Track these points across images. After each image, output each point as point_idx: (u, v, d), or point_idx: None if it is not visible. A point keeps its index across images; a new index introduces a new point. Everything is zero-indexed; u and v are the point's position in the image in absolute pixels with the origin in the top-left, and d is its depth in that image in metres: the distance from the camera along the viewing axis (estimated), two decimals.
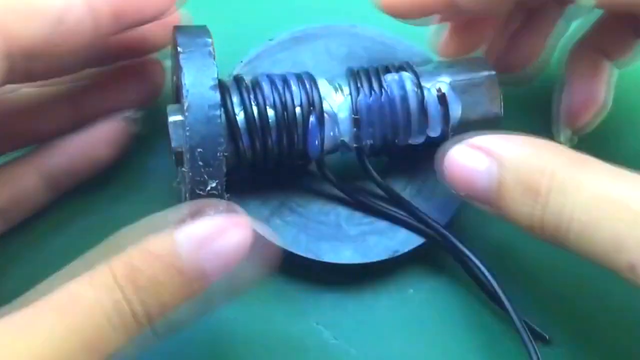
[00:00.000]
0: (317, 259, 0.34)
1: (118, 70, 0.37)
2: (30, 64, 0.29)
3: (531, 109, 0.40)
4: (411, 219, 0.35)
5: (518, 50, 0.38)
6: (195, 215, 0.27)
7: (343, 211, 0.36)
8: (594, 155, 0.28)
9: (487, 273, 0.34)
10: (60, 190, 0.36)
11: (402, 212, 0.35)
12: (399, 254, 0.35)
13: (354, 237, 0.35)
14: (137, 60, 0.37)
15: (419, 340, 0.35)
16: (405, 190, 0.36)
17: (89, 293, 0.25)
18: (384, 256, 0.35)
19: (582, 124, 0.37)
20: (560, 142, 0.36)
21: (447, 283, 0.36)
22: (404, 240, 0.35)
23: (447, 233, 0.34)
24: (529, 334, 0.33)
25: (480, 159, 0.30)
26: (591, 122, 0.37)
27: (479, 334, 0.35)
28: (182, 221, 0.27)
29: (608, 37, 0.38)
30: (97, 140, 0.36)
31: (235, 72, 0.37)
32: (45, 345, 0.24)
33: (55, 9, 0.28)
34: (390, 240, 0.35)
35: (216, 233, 0.27)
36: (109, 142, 0.36)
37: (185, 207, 0.28)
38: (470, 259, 0.34)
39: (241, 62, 0.38)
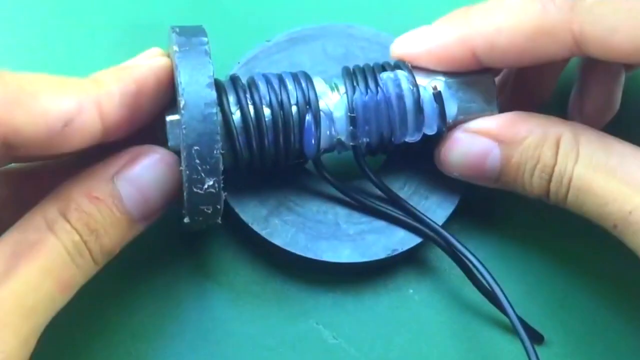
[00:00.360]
0: (315, 258, 0.34)
1: None
2: (22, 153, 0.28)
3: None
4: (408, 218, 0.35)
5: (528, 96, 0.38)
6: (130, 161, 0.30)
7: (341, 210, 0.36)
8: None
9: (485, 272, 0.33)
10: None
11: (399, 212, 0.35)
12: (397, 252, 0.35)
13: (352, 236, 0.35)
14: None
15: (419, 339, 0.35)
16: (402, 188, 0.36)
17: (52, 239, 0.28)
18: (382, 255, 0.35)
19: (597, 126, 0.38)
20: None
21: (447, 283, 0.36)
22: (402, 239, 0.35)
23: (444, 232, 0.34)
24: (526, 333, 0.32)
25: (482, 142, 0.33)
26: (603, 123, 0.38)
27: (478, 333, 0.35)
28: (119, 167, 0.30)
29: None
30: None
31: (231, 73, 0.37)
32: (23, 290, 0.27)
33: (63, 112, 0.28)
34: (389, 239, 0.35)
35: (150, 175, 0.30)
36: None
37: (122, 155, 0.30)
38: (468, 258, 0.34)
39: (238, 63, 0.38)
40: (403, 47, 0.34)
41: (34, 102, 0.27)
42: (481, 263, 0.33)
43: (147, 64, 0.31)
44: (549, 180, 0.32)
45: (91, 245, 0.29)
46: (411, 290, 0.36)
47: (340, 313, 0.36)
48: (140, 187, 0.30)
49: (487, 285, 0.34)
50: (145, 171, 0.30)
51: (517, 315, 0.33)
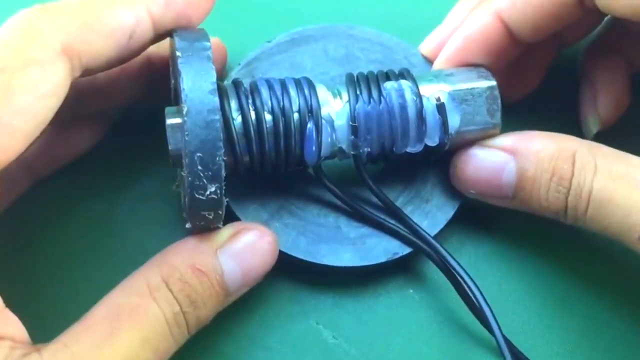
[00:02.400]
0: (316, 261, 0.34)
1: None
2: (94, 72, 0.31)
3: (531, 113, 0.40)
4: (404, 230, 0.35)
5: (518, 80, 0.38)
6: (233, 236, 0.31)
7: (342, 213, 0.35)
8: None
9: (475, 290, 0.33)
10: (39, 178, 0.37)
11: (396, 222, 0.35)
12: (398, 256, 0.35)
13: (353, 240, 0.35)
14: None
15: (418, 340, 0.36)
16: (404, 191, 0.36)
17: (154, 307, 0.29)
18: (383, 259, 0.35)
19: (611, 123, 0.38)
20: (589, 133, 0.38)
21: (447, 283, 0.36)
22: (403, 243, 0.35)
23: (437, 245, 0.34)
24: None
25: (497, 156, 0.33)
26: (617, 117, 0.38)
27: (478, 333, 0.35)
28: (223, 242, 0.31)
29: (626, 40, 0.38)
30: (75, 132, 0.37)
31: (233, 74, 0.37)
32: (125, 356, 0.28)
33: (126, 28, 0.30)
34: (390, 243, 0.35)
35: (251, 252, 0.31)
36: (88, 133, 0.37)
37: (226, 230, 0.32)
38: (458, 273, 0.34)
39: (239, 64, 0.38)
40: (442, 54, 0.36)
41: (101, 26, 0.30)
42: (472, 280, 0.33)
43: None
44: (567, 194, 0.31)
45: (189, 317, 0.30)
46: (411, 290, 0.37)
47: (340, 313, 0.36)
48: (241, 263, 0.31)
49: (476, 302, 0.34)
50: (247, 247, 0.31)
51: (503, 336, 0.33)
